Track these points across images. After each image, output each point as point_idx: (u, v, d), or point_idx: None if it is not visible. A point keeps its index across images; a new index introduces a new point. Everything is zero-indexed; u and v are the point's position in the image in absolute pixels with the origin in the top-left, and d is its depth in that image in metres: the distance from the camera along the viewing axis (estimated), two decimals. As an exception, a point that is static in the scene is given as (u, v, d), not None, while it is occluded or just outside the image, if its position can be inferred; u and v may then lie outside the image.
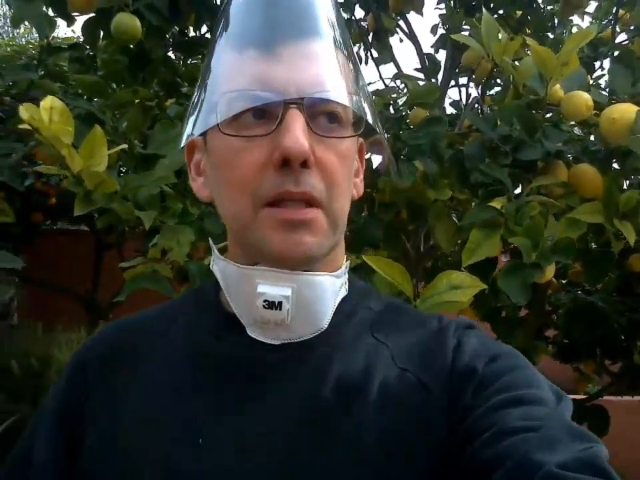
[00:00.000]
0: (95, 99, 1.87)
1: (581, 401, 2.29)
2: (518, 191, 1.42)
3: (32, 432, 0.64)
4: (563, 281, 2.24)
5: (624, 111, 1.19)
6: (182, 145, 0.62)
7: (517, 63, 1.45)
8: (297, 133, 0.52)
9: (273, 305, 0.56)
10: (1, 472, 0.64)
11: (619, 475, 0.45)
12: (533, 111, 1.39)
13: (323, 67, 0.55)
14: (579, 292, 2.20)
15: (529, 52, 1.54)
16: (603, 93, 1.40)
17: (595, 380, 2.38)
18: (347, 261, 0.65)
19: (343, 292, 0.63)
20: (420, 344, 0.60)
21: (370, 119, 0.59)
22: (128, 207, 1.19)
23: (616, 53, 1.70)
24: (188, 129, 0.59)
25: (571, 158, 1.42)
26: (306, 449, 0.54)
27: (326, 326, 0.59)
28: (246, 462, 0.53)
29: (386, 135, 1.39)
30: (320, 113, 0.55)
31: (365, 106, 0.59)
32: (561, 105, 1.30)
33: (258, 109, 0.54)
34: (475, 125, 1.45)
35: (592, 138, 1.52)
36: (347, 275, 0.64)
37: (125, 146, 1.15)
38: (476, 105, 1.63)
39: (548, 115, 1.50)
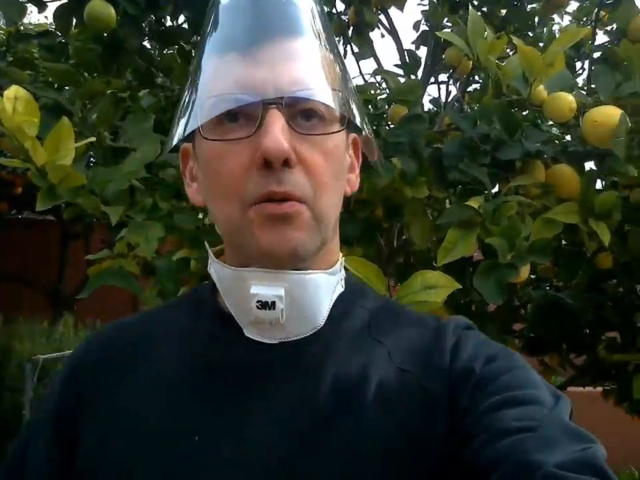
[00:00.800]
0: (66, 88, 1.81)
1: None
2: (496, 189, 1.42)
3: (27, 435, 0.64)
4: (532, 276, 2.27)
5: (607, 114, 1.19)
6: (170, 147, 0.62)
7: (510, 57, 1.43)
8: (276, 133, 0.52)
9: (266, 305, 0.56)
10: None
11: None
12: (514, 110, 1.39)
13: (302, 65, 0.56)
14: (548, 287, 2.24)
15: (509, 51, 1.53)
16: (582, 92, 1.40)
17: (559, 372, 2.43)
18: (342, 256, 0.65)
19: (339, 289, 0.63)
20: (418, 343, 0.60)
21: (355, 116, 0.59)
22: (94, 201, 1.15)
23: (596, 55, 1.71)
24: (177, 132, 0.60)
25: (549, 158, 1.42)
26: (303, 448, 0.54)
27: (322, 323, 0.60)
28: (244, 462, 0.53)
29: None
30: (301, 112, 0.55)
31: (350, 102, 0.59)
32: (543, 106, 1.29)
33: (237, 112, 0.54)
34: (455, 123, 1.44)
35: (569, 138, 1.52)
36: (343, 272, 0.64)
37: (93, 139, 1.11)
38: (456, 103, 1.61)
39: (525, 113, 1.50)
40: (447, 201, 1.53)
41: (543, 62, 1.18)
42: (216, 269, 0.61)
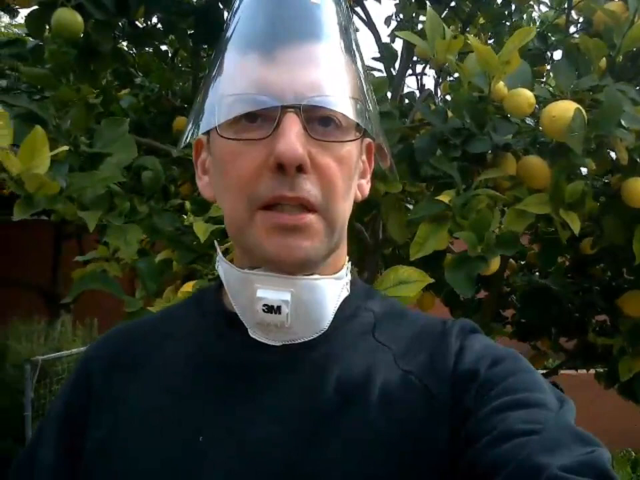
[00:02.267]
0: (39, 92, 1.82)
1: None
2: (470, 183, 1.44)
3: (38, 435, 0.65)
4: (522, 262, 2.30)
5: (563, 108, 1.21)
6: (184, 143, 0.62)
7: (471, 54, 1.45)
8: (292, 138, 0.52)
9: (272, 309, 0.57)
10: (9, 472, 0.65)
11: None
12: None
13: (322, 71, 0.55)
14: (536, 273, 2.26)
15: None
16: (547, 86, 1.41)
17: (551, 356, 2.46)
18: (348, 260, 0.65)
19: (345, 293, 0.63)
20: (423, 346, 0.60)
21: (371, 125, 0.59)
22: (72, 207, 1.17)
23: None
24: (191, 128, 0.60)
25: (520, 150, 1.44)
26: (306, 449, 0.54)
27: (327, 327, 0.60)
28: (247, 462, 0.54)
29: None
30: (318, 117, 0.55)
31: (367, 111, 0.58)
32: (503, 102, 1.31)
33: (255, 113, 0.54)
34: (426, 118, 1.46)
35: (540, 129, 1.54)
36: (349, 276, 0.64)
37: (65, 148, 1.12)
38: (428, 97, 1.63)
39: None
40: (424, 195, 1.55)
41: (498, 60, 1.19)
42: (224, 269, 0.62)
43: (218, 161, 0.58)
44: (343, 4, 0.60)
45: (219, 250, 0.64)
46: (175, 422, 0.57)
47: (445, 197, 1.26)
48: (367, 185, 0.66)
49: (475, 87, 1.31)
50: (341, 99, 0.55)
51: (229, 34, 0.60)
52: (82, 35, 1.45)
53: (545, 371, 2.45)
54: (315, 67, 0.55)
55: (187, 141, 0.60)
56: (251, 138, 0.54)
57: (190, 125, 0.60)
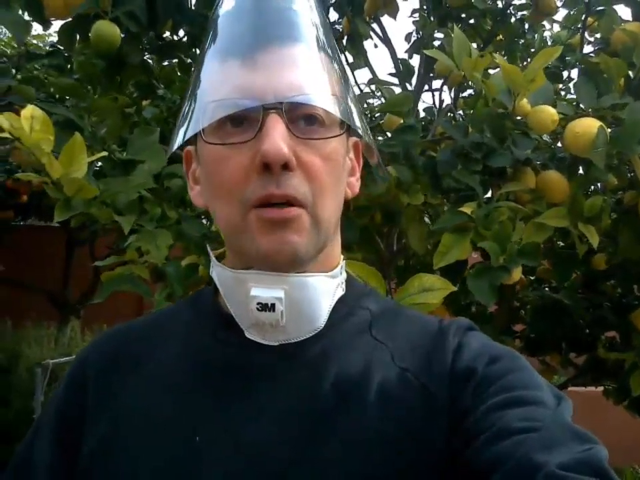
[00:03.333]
0: (68, 101, 1.86)
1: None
2: (489, 195, 1.48)
3: (34, 434, 0.65)
4: (532, 277, 2.32)
5: (587, 125, 1.25)
6: (170, 152, 0.63)
7: (490, 71, 1.49)
8: (276, 137, 0.53)
9: (266, 307, 0.57)
10: (3, 473, 0.65)
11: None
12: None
13: (301, 71, 0.56)
14: (546, 289, 2.28)
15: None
16: (568, 103, 1.45)
17: (560, 372, 2.47)
18: (343, 259, 0.65)
19: (340, 292, 0.63)
20: (420, 344, 0.60)
21: (355, 120, 0.60)
22: (107, 212, 1.21)
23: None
24: (177, 139, 0.60)
25: (539, 164, 1.48)
26: (304, 448, 0.54)
27: (322, 326, 0.60)
28: (244, 462, 0.54)
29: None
30: (300, 116, 0.56)
31: (350, 107, 0.59)
32: (528, 119, 1.35)
33: (239, 116, 0.55)
34: (447, 132, 1.50)
35: (559, 144, 1.58)
36: (344, 275, 0.65)
37: (105, 154, 1.16)
38: (449, 113, 1.68)
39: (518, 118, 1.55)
40: (445, 207, 1.59)
41: (524, 78, 1.24)
42: (217, 272, 0.62)
43: (206, 168, 0.59)
44: (317, 7, 0.62)
45: (211, 254, 0.65)
46: (173, 421, 0.57)
47: (467, 209, 1.29)
48: (356, 183, 0.66)
49: (499, 103, 1.34)
50: (321, 96, 0.56)
51: (207, 46, 0.61)
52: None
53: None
54: (294, 68, 0.56)
55: (174, 149, 0.60)
56: (237, 141, 0.55)
57: (174, 135, 0.60)
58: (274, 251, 0.55)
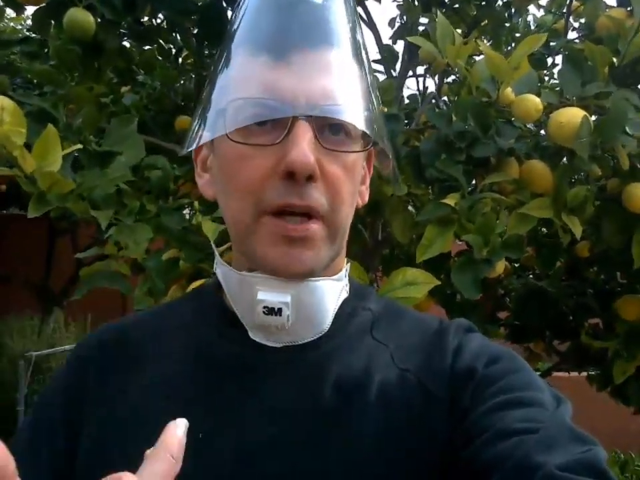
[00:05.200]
0: (46, 87, 1.82)
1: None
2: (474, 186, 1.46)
3: (33, 427, 0.63)
4: (516, 265, 2.33)
5: (571, 115, 1.23)
6: (196, 145, 0.60)
7: (475, 57, 1.47)
8: (304, 146, 0.52)
9: (272, 311, 0.57)
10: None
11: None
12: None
13: (334, 78, 0.55)
14: (530, 276, 2.29)
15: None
16: (551, 90, 1.43)
17: (544, 359, 2.49)
18: (347, 263, 0.65)
19: (344, 294, 0.63)
20: (420, 345, 0.60)
21: (380, 135, 0.59)
22: (83, 205, 1.18)
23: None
24: (198, 132, 0.58)
25: (522, 154, 1.47)
26: (306, 449, 0.54)
27: (327, 328, 0.60)
28: (246, 462, 0.54)
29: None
30: (329, 126, 0.55)
31: (375, 118, 0.58)
32: (511, 107, 1.33)
33: (265, 116, 0.54)
34: (431, 121, 1.48)
35: (542, 133, 1.57)
36: (347, 278, 0.65)
37: (79, 146, 1.13)
38: (432, 100, 1.65)
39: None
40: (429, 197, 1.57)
41: (508, 66, 1.21)
42: (223, 272, 0.62)
43: (224, 163, 0.58)
44: (352, 5, 0.60)
45: (216, 252, 0.64)
46: (174, 418, 0.56)
47: (450, 200, 1.28)
48: (366, 191, 0.66)
49: (482, 92, 1.32)
50: (352, 108, 0.55)
51: (236, 33, 0.58)
52: (90, 33, 1.45)
53: (537, 373, 2.47)
54: (328, 74, 0.54)
55: (199, 144, 0.59)
56: (261, 143, 0.54)
57: (197, 126, 0.59)
58: (285, 265, 0.55)
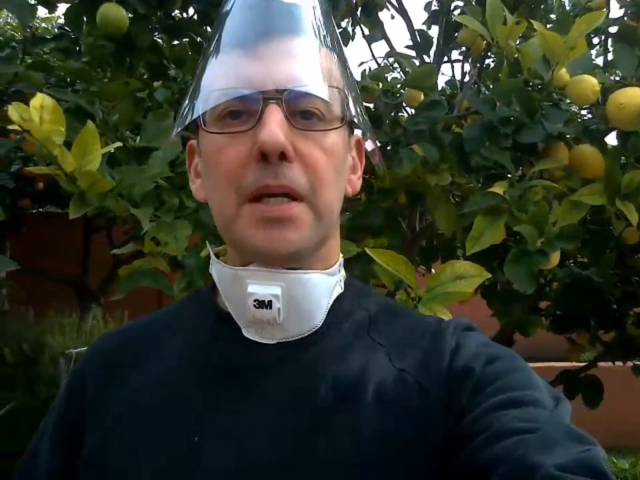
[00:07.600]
0: (79, 89, 1.82)
1: (575, 371, 2.34)
2: (519, 173, 1.40)
3: (39, 439, 0.65)
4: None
5: (632, 96, 1.17)
6: (172, 137, 0.64)
7: (531, 40, 1.40)
8: (273, 126, 0.53)
9: (263, 304, 0.57)
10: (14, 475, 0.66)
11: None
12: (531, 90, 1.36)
13: (300, 62, 0.57)
14: (572, 264, 2.22)
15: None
16: (604, 72, 1.36)
17: (588, 349, 2.43)
18: (342, 257, 0.65)
19: (338, 290, 0.63)
20: (418, 345, 0.60)
21: (354, 114, 0.60)
22: (123, 204, 1.16)
23: (612, 29, 1.67)
24: (178, 123, 0.61)
25: (571, 138, 1.40)
26: (302, 448, 0.54)
27: (320, 324, 0.60)
28: (243, 462, 0.54)
29: (387, 122, 1.36)
30: (299, 111, 0.56)
31: (350, 101, 0.60)
32: (566, 89, 1.27)
33: (238, 109, 0.56)
34: (473, 107, 1.42)
35: (589, 116, 1.50)
36: (342, 273, 0.65)
37: (119, 144, 1.11)
38: (474, 85, 1.59)
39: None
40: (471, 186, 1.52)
41: (564, 46, 1.16)
42: (216, 269, 0.62)
43: (205, 158, 0.60)
44: (320, 3, 0.62)
45: (211, 251, 0.64)
46: (173, 419, 0.57)
47: (498, 189, 1.23)
48: (358, 181, 0.66)
49: (534, 74, 1.27)
50: (319, 87, 0.56)
51: (214, 35, 0.62)
52: (123, 29, 1.44)
53: (583, 364, 2.41)
54: (293, 59, 0.56)
55: (173, 135, 0.62)
56: (235, 131, 0.56)
57: (177, 121, 0.61)
58: (270, 247, 0.55)
